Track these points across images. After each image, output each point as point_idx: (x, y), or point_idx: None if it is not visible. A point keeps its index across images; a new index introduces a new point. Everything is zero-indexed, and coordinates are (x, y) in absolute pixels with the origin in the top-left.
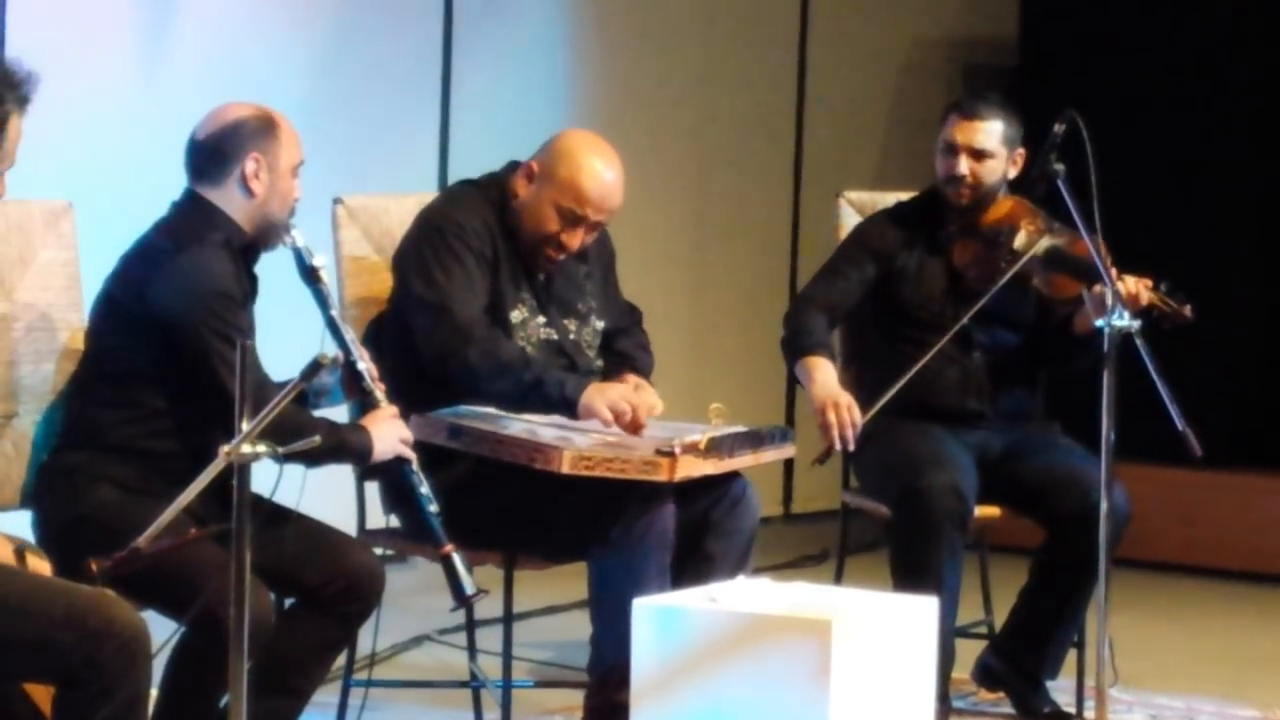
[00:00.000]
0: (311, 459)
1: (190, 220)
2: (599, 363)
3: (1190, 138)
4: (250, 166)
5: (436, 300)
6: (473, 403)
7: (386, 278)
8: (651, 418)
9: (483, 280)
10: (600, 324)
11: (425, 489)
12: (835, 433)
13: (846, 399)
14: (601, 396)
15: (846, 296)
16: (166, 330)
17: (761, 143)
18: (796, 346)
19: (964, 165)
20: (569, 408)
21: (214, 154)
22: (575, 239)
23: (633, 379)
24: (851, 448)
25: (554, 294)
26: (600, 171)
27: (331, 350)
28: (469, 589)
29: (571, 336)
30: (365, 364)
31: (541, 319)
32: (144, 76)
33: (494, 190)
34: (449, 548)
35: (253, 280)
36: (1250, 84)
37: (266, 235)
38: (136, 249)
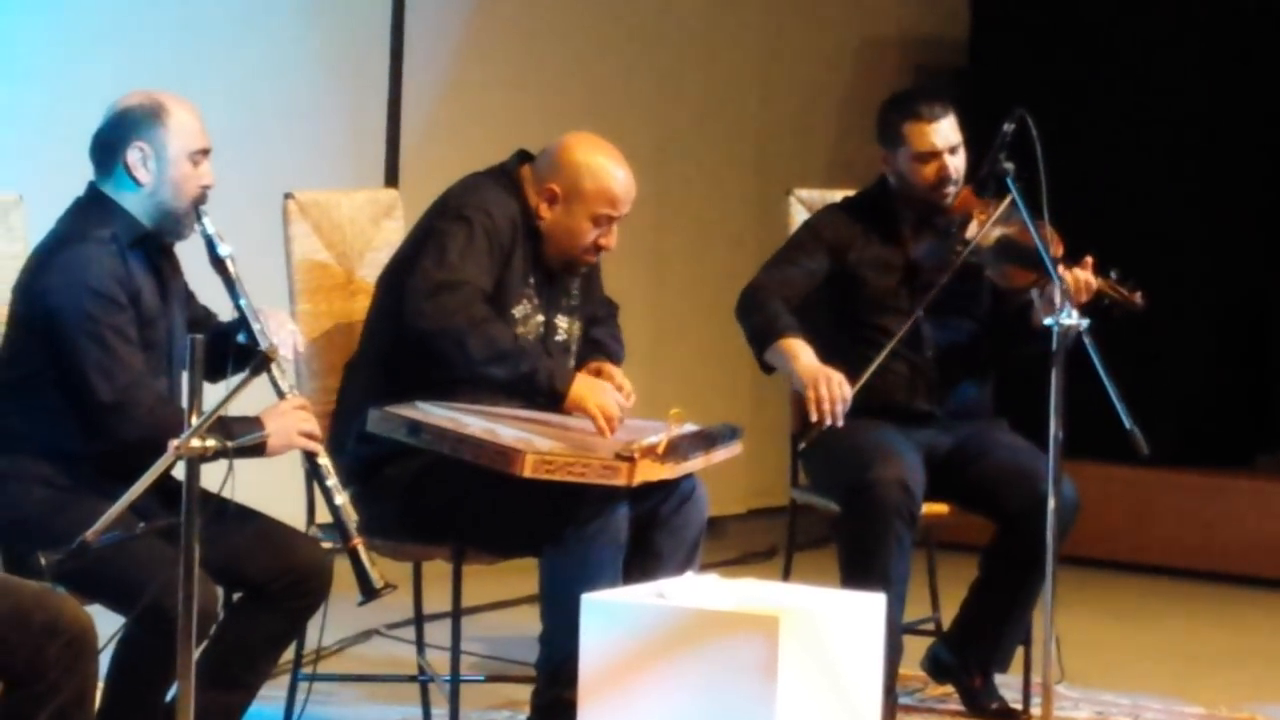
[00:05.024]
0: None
1: (81, 217)
2: (571, 363)
3: (1139, 139)
4: (134, 156)
5: (444, 279)
6: (435, 396)
7: (337, 272)
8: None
9: (493, 270)
10: (583, 318)
11: (333, 481)
12: (826, 407)
13: (837, 375)
14: (593, 395)
15: (799, 286)
16: (46, 330)
17: (721, 140)
18: (768, 332)
19: (952, 165)
20: (556, 398)
21: (102, 146)
22: (611, 237)
23: (595, 365)
24: (840, 423)
25: (556, 293)
26: (620, 171)
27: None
28: (376, 583)
29: (560, 337)
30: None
31: (541, 318)
32: (97, 71)
33: (508, 181)
34: (357, 541)
35: (158, 271)
36: (1198, 84)
37: (167, 225)
38: (34, 249)
